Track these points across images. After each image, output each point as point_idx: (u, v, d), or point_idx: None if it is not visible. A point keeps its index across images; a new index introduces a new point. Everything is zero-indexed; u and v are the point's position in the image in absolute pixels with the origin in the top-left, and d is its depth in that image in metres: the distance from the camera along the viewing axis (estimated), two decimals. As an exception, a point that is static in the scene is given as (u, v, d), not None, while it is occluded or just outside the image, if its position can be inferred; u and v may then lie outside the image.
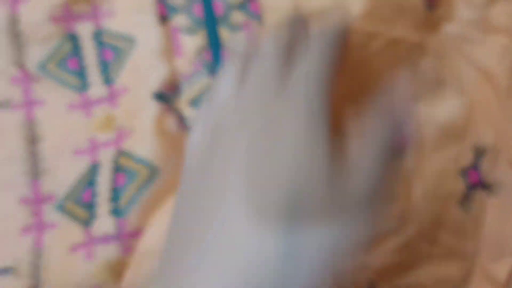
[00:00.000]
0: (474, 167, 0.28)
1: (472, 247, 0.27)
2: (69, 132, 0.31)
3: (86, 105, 0.31)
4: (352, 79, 0.28)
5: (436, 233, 0.28)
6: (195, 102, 0.30)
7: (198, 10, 0.32)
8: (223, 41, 0.31)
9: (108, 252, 0.28)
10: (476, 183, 0.28)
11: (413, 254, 0.27)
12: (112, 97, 0.31)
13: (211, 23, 0.32)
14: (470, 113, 0.29)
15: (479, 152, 0.28)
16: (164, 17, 0.32)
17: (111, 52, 0.32)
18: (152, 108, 0.30)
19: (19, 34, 0.32)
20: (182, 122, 0.30)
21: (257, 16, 0.32)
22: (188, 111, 0.30)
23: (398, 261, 0.27)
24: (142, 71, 0.31)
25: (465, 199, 0.28)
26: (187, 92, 0.30)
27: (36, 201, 0.29)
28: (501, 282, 0.26)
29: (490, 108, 0.29)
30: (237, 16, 0.32)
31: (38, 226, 0.29)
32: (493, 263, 0.27)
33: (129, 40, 0.32)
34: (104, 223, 0.28)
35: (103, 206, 0.29)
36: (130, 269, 0.27)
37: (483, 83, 0.30)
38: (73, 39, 0.32)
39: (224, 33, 0.32)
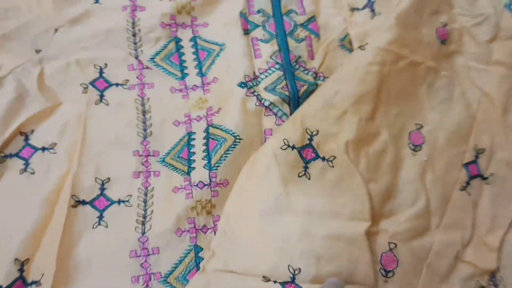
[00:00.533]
0: (475, 162, 0.38)
1: (471, 221, 0.36)
2: (170, 108, 0.40)
3: (184, 89, 0.41)
4: (383, 87, 0.38)
5: (444, 208, 0.36)
6: (270, 88, 0.40)
7: (272, 26, 0.43)
8: (290, 48, 0.42)
9: (201, 194, 0.36)
10: (475, 174, 0.37)
11: (425, 223, 0.35)
12: (204, 85, 0.41)
13: (281, 35, 0.42)
14: (474, 122, 0.39)
15: (479, 152, 0.38)
16: (246, 31, 0.43)
17: (205, 53, 0.42)
18: (238, 93, 0.39)
19: (136, 34, 0.42)
20: (260, 101, 0.39)
21: (316, 32, 0.43)
22: (264, 94, 0.40)
23: (413, 227, 0.35)
24: (230, 68, 0.41)
25: (467, 185, 0.37)
26: (264, 82, 0.40)
27: (145, 154, 0.38)
28: (495, 247, 0.35)
29: (489, 121, 0.39)
30: (301, 32, 0.43)
31: (146, 173, 0.38)
32: (487, 234, 0.35)
33: (219, 46, 0.42)
34: (200, 174, 0.37)
35: (198, 162, 0.38)
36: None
37: (485, 102, 0.39)
38: (176, 41, 0.43)
39: (291, 43, 0.42)
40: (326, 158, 0.36)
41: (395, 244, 0.34)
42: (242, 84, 0.40)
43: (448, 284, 0.34)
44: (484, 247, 0.35)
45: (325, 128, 0.36)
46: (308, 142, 0.36)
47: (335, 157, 0.36)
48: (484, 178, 0.37)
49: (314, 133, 0.36)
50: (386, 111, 0.38)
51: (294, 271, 0.31)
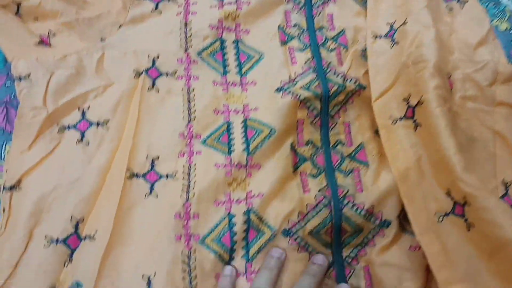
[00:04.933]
0: (506, 195, 0.40)
1: None
2: (211, 98, 0.45)
3: (225, 84, 0.46)
4: None
5: None
6: (306, 87, 0.44)
7: (306, 38, 0.49)
8: (322, 55, 0.47)
9: (239, 173, 0.41)
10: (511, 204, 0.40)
11: None
12: (242, 84, 0.46)
13: (314, 46, 0.48)
14: (495, 159, 0.41)
15: (507, 185, 0.40)
16: (284, 42, 0.48)
17: (245, 56, 0.48)
18: (275, 96, 0.44)
19: (188, 33, 0.48)
20: (296, 96, 0.43)
21: (344, 45, 0.49)
22: (300, 91, 0.44)
23: None
24: (268, 75, 0.46)
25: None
26: (300, 83, 0.45)
27: (189, 137, 0.43)
28: None
29: (506, 156, 0.41)
30: (331, 44, 0.49)
31: (190, 152, 0.42)
32: None
33: (259, 53, 0.48)
34: (238, 156, 0.41)
35: (238, 146, 0.42)
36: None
37: (499, 140, 0.42)
38: (221, 41, 0.48)
39: (323, 52, 0.48)
40: None
41: None
42: (279, 89, 0.45)
43: None
44: None
45: None
46: None
47: None
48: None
49: None
50: None
51: None
